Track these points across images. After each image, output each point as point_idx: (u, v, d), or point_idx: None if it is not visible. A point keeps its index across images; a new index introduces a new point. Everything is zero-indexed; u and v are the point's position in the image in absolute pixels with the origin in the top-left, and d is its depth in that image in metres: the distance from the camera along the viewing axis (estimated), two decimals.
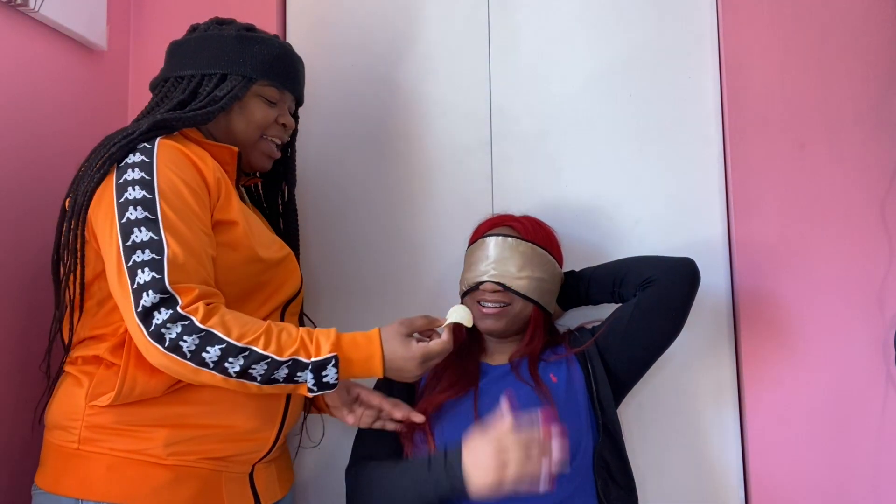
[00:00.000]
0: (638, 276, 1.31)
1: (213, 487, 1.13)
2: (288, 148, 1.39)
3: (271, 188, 1.42)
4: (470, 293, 1.34)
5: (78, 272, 1.11)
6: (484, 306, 1.31)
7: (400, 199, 1.67)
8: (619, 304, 1.35)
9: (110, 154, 1.10)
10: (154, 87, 1.28)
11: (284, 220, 1.42)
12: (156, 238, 1.04)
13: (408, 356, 1.10)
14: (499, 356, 1.36)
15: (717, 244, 1.56)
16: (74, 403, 1.10)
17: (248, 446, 1.16)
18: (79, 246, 1.10)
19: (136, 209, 1.05)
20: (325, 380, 1.05)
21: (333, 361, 1.05)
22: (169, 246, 1.04)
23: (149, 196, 1.06)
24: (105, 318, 1.13)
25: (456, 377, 1.30)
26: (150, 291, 1.01)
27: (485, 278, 1.31)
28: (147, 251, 1.03)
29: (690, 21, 1.62)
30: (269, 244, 1.22)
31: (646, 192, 1.59)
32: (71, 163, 1.52)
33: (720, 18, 1.59)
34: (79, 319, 1.14)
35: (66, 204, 1.15)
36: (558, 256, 1.39)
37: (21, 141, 1.39)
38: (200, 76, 1.21)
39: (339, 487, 1.36)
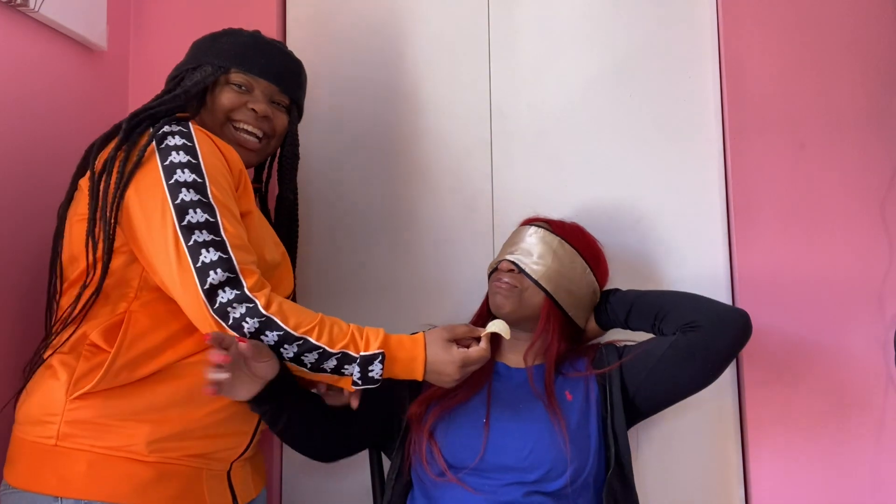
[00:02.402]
0: (683, 316, 1.23)
1: (195, 485, 1.13)
2: (285, 155, 1.38)
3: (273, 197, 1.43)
4: (492, 274, 1.36)
5: (100, 253, 1.10)
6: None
7: (400, 198, 1.67)
8: (656, 336, 1.29)
9: (151, 137, 1.11)
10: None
11: (285, 229, 1.42)
12: (211, 220, 1.07)
13: (448, 360, 1.13)
14: (512, 355, 1.34)
15: (717, 243, 1.56)
16: (53, 398, 1.08)
17: (228, 442, 1.16)
18: (111, 230, 1.10)
19: (188, 191, 1.07)
20: (370, 374, 1.10)
21: (380, 358, 1.10)
22: (225, 229, 1.08)
23: (199, 180, 1.09)
24: (107, 296, 1.12)
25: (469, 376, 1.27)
26: (219, 270, 1.05)
27: (504, 257, 1.33)
28: (205, 232, 1.06)
29: (690, 21, 1.62)
30: (273, 246, 1.23)
31: (646, 191, 1.59)
32: (71, 163, 1.51)
33: (720, 18, 1.59)
34: (92, 300, 1.12)
35: (82, 184, 1.15)
36: (594, 265, 1.35)
37: (21, 141, 1.39)
38: (183, 72, 1.27)
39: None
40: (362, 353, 1.10)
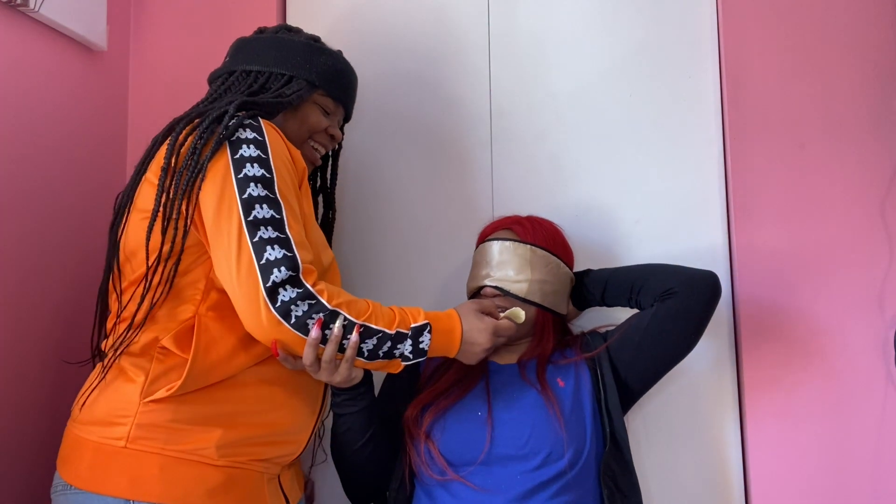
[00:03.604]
0: (658, 286, 1.28)
1: (258, 489, 1.14)
2: (329, 163, 1.47)
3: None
4: (474, 298, 1.35)
5: (175, 250, 1.08)
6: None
7: (399, 198, 1.67)
8: (636, 311, 1.33)
9: (224, 129, 1.09)
10: (215, 78, 1.29)
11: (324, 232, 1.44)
12: (277, 217, 1.07)
13: (482, 327, 1.18)
14: (507, 356, 1.35)
15: (718, 243, 1.56)
16: (127, 400, 1.08)
17: (287, 448, 1.18)
18: (187, 223, 1.08)
19: (256, 186, 1.07)
20: (420, 346, 1.12)
21: (428, 328, 1.13)
22: (290, 226, 1.07)
23: (267, 175, 1.08)
24: (175, 297, 1.11)
25: (462, 372, 1.30)
26: (283, 268, 1.04)
27: (484, 282, 1.31)
28: (270, 228, 1.05)
29: (690, 21, 1.62)
30: (324, 248, 1.24)
31: (646, 192, 1.59)
32: (71, 162, 1.52)
33: (720, 18, 1.59)
34: (155, 301, 1.09)
35: (150, 177, 1.12)
36: (564, 256, 1.37)
37: (21, 141, 1.39)
38: (268, 73, 1.25)
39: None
40: (413, 326, 1.12)
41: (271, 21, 1.69)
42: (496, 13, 1.68)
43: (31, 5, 1.37)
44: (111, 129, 1.67)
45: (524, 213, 1.44)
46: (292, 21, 1.74)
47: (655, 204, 1.58)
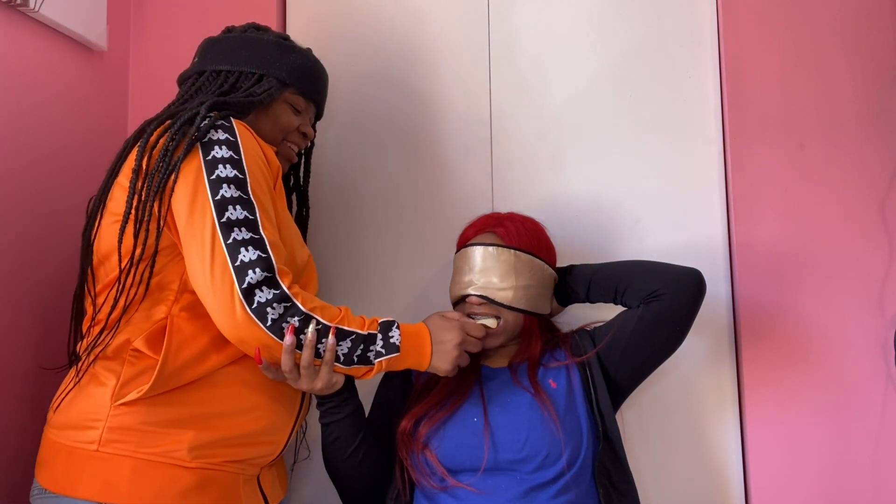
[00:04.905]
0: (643, 287, 1.27)
1: (233, 490, 1.13)
2: (303, 159, 1.47)
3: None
4: (458, 305, 1.33)
5: (147, 253, 1.08)
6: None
7: (399, 199, 1.67)
8: (622, 311, 1.32)
9: (195, 130, 1.09)
10: (185, 79, 1.28)
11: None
12: (250, 218, 1.06)
13: (448, 326, 1.19)
14: (498, 359, 1.35)
15: (718, 243, 1.56)
16: (98, 403, 1.07)
17: (264, 450, 1.17)
18: (159, 225, 1.08)
19: (229, 187, 1.06)
20: (391, 340, 1.13)
21: (396, 325, 1.15)
22: (264, 226, 1.07)
23: (240, 176, 1.08)
24: (150, 298, 1.11)
25: (455, 381, 1.29)
26: (258, 269, 1.04)
27: (468, 291, 1.29)
28: (244, 229, 1.05)
29: (690, 21, 1.62)
30: (300, 247, 1.23)
31: (646, 192, 1.59)
32: (71, 163, 1.52)
33: (720, 18, 1.59)
34: (129, 302, 1.09)
35: (122, 181, 1.11)
36: (547, 257, 1.35)
37: (21, 141, 1.39)
38: (238, 73, 1.25)
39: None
40: (381, 321, 1.14)
41: (272, 21, 1.69)
42: (496, 14, 1.68)
43: (31, 5, 1.37)
44: (111, 129, 1.67)
45: (523, 213, 1.43)
46: (293, 23, 1.74)
47: (655, 204, 1.58)
